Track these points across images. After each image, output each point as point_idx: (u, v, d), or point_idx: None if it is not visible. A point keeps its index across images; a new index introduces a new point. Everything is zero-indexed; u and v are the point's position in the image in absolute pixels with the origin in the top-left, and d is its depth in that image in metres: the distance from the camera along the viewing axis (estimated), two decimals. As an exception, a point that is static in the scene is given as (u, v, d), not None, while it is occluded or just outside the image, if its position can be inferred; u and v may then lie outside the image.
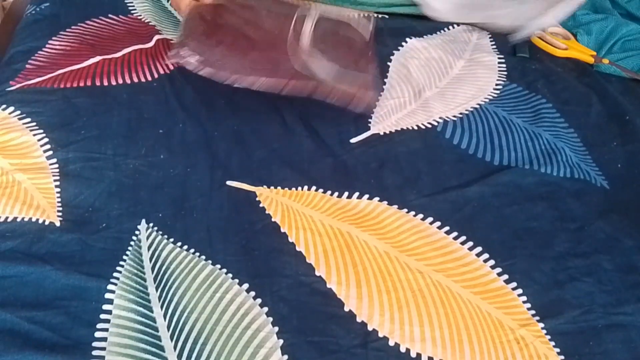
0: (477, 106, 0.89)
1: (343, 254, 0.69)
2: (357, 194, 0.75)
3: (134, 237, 0.69)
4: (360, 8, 1.05)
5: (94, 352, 0.58)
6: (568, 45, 1.02)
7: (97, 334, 0.59)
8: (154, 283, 0.65)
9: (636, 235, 0.74)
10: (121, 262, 0.66)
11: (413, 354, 0.61)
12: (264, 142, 0.80)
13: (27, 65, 0.88)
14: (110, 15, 0.99)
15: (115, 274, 0.65)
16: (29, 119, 0.80)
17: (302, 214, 0.73)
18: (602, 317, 0.65)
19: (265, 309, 0.63)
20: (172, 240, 0.69)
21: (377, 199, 0.75)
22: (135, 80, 0.87)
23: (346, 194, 0.75)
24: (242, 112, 0.84)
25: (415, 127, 0.85)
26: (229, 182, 0.75)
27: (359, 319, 0.63)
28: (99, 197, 0.72)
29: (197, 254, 0.68)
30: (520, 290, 0.67)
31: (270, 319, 0.62)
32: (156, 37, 0.95)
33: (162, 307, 0.63)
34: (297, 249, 0.69)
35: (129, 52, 0.92)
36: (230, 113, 0.84)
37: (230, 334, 0.61)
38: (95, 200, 0.72)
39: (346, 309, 0.64)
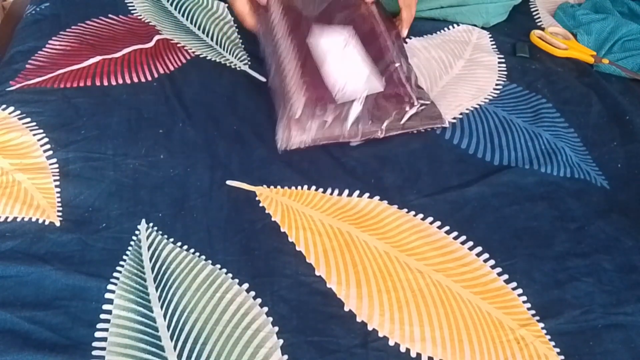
0: (477, 106, 0.90)
1: (343, 253, 0.69)
2: (357, 193, 0.75)
3: (134, 237, 0.69)
4: None
5: (94, 352, 0.58)
6: (568, 45, 1.02)
7: (97, 334, 0.59)
8: (154, 283, 0.65)
9: (636, 235, 0.74)
10: (121, 262, 0.66)
11: (413, 354, 0.61)
12: (264, 142, 0.80)
13: (27, 65, 0.88)
14: (110, 15, 0.99)
15: (115, 274, 0.65)
16: (29, 119, 0.80)
17: (302, 213, 0.73)
18: (602, 317, 0.65)
19: (265, 309, 0.63)
20: (172, 240, 0.69)
21: (377, 198, 0.75)
22: (135, 80, 0.87)
23: (346, 193, 0.75)
24: (242, 112, 0.84)
25: (415, 127, 0.85)
26: (229, 182, 0.75)
27: (359, 319, 0.63)
28: (99, 197, 0.72)
29: (197, 254, 0.68)
30: (520, 290, 0.67)
31: (270, 319, 0.62)
32: (156, 37, 0.95)
33: (162, 307, 0.63)
34: (297, 248, 0.69)
35: (129, 52, 0.92)
36: (230, 113, 0.84)
37: (230, 334, 0.61)
38: (95, 200, 0.72)
39: (346, 308, 0.64)
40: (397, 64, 0.85)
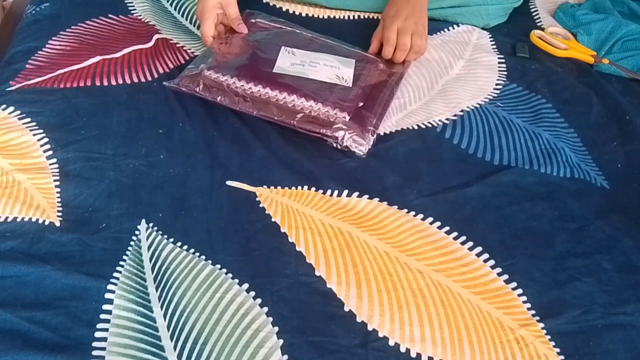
0: (477, 106, 0.90)
1: (343, 253, 0.69)
2: (357, 193, 0.75)
3: (134, 237, 0.69)
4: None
5: (94, 352, 0.58)
6: (568, 45, 1.02)
7: (97, 334, 0.59)
8: (154, 283, 0.65)
9: (636, 235, 0.74)
10: (121, 262, 0.66)
11: (413, 354, 0.61)
12: (264, 142, 0.80)
13: (27, 65, 0.88)
14: (110, 15, 0.99)
15: (115, 274, 0.65)
16: (29, 119, 0.80)
17: (302, 213, 0.73)
18: (602, 317, 0.65)
19: (265, 309, 0.63)
20: (172, 240, 0.69)
21: (377, 199, 0.75)
22: (135, 80, 0.87)
23: (346, 193, 0.75)
24: (242, 112, 0.84)
25: (415, 127, 0.85)
26: (228, 182, 0.75)
27: (359, 319, 0.63)
28: (99, 197, 0.72)
29: (197, 254, 0.67)
30: (520, 290, 0.67)
31: (270, 319, 0.62)
32: (156, 36, 0.95)
33: (162, 307, 0.63)
34: (297, 248, 0.69)
35: (129, 52, 0.92)
36: (230, 113, 0.84)
37: (230, 334, 0.61)
38: (95, 200, 0.72)
39: (346, 309, 0.64)
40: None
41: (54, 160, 0.75)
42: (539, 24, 1.10)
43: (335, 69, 0.88)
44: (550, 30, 1.06)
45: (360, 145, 0.79)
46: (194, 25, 1.00)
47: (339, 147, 0.80)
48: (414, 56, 0.94)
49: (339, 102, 0.82)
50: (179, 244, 0.68)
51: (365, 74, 0.88)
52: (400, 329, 0.63)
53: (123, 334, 0.60)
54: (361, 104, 0.83)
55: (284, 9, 1.04)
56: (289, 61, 0.88)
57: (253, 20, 0.96)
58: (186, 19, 1.02)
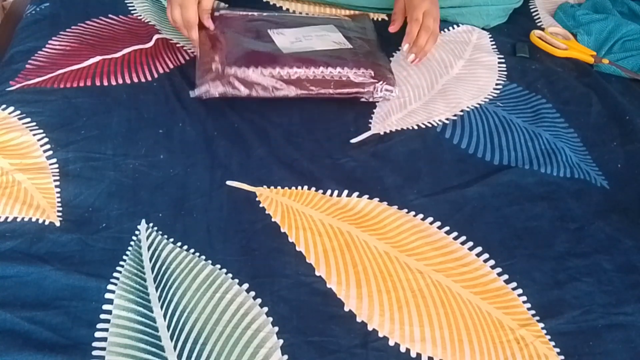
0: (477, 106, 0.90)
1: (343, 254, 0.69)
2: (357, 194, 0.75)
3: (134, 237, 0.69)
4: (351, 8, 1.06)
5: (94, 352, 0.58)
6: (568, 45, 1.02)
7: (97, 334, 0.59)
8: (154, 283, 0.65)
9: (636, 235, 0.74)
10: (121, 262, 0.66)
11: (413, 354, 0.61)
12: (263, 142, 0.80)
13: (27, 65, 0.88)
14: (110, 15, 0.99)
15: (115, 274, 0.65)
16: (29, 119, 0.80)
17: (302, 213, 0.73)
18: (602, 317, 0.65)
19: (265, 309, 0.63)
20: (172, 240, 0.69)
21: (377, 199, 0.75)
22: (135, 80, 0.87)
23: (346, 192, 0.75)
24: (242, 111, 0.84)
25: (415, 127, 0.85)
26: (228, 182, 0.75)
27: (359, 319, 0.63)
28: (99, 197, 0.72)
29: (197, 254, 0.68)
30: (520, 290, 0.67)
31: (270, 319, 0.62)
32: (156, 36, 0.95)
33: (162, 307, 0.63)
34: (297, 249, 0.69)
35: (129, 52, 0.92)
36: (229, 112, 0.84)
37: (230, 334, 0.61)
38: (95, 200, 0.72)
39: (346, 309, 0.64)
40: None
41: (54, 160, 0.75)
42: (539, 24, 1.10)
43: (327, 36, 0.91)
44: (550, 30, 1.06)
45: (391, 92, 0.87)
46: (194, 25, 1.00)
47: (371, 99, 0.87)
48: (431, 41, 0.94)
49: (357, 61, 0.87)
50: (179, 244, 0.68)
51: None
52: (400, 329, 0.63)
53: (123, 334, 0.60)
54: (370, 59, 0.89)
55: (284, 9, 1.04)
56: (287, 40, 0.89)
57: (217, 14, 0.95)
58: (186, 19, 1.02)
